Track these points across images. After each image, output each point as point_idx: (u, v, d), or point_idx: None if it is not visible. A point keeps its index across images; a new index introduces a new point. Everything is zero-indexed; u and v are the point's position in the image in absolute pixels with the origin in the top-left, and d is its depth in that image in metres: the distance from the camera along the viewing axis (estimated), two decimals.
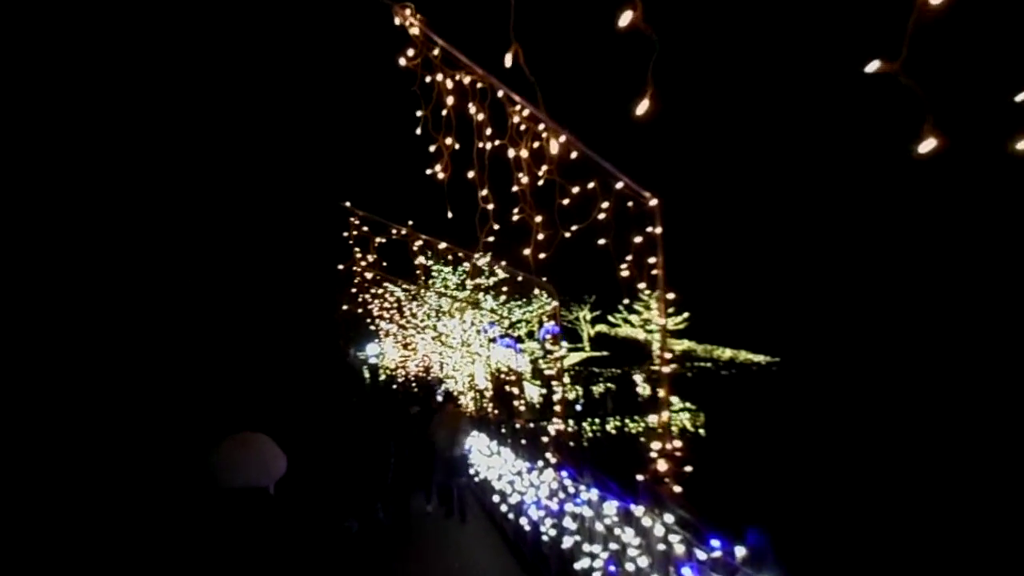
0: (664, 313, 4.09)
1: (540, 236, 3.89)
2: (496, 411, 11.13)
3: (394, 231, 7.56)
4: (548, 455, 6.31)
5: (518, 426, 9.56)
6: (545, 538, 6.45)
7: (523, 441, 8.41)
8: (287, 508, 2.37)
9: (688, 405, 25.49)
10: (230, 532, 2.24)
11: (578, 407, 27.43)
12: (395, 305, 12.89)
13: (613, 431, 24.03)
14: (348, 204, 7.89)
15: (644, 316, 53.20)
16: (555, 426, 6.63)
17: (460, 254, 7.27)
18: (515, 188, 3.85)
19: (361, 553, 6.60)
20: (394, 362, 23.45)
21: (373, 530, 7.17)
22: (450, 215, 4.32)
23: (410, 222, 7.41)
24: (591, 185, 3.74)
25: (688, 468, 3.92)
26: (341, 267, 7.88)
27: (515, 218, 3.94)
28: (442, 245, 7.25)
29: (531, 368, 31.08)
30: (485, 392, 11.24)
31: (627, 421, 24.51)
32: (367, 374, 31.06)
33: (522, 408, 10.56)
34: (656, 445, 3.90)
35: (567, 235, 3.84)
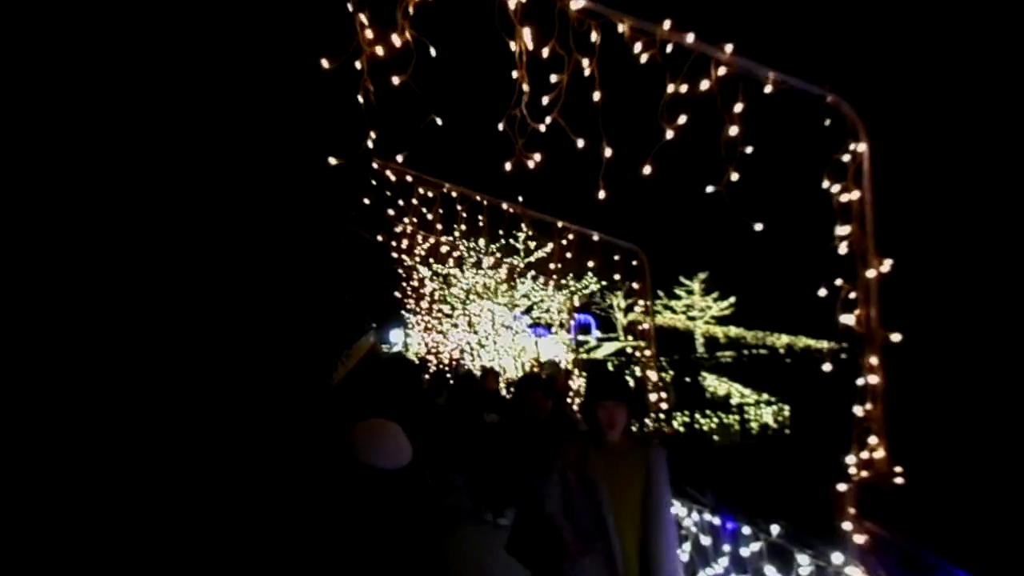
0: None
1: None
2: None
3: None
4: (847, 524, 2.63)
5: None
6: None
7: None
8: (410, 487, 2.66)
9: (768, 397, 21.45)
10: (372, 504, 2.56)
11: None
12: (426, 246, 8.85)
13: (682, 428, 20.24)
14: None
15: (686, 302, 49.37)
16: (858, 456, 2.86)
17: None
18: None
19: None
20: (422, 350, 20.03)
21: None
22: None
23: None
24: None
25: None
26: (327, 63, 3.29)
27: None
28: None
29: (572, 359, 27.48)
30: (571, 382, 7.64)
31: (697, 417, 20.77)
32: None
33: (664, 403, 6.84)
34: None
35: None
